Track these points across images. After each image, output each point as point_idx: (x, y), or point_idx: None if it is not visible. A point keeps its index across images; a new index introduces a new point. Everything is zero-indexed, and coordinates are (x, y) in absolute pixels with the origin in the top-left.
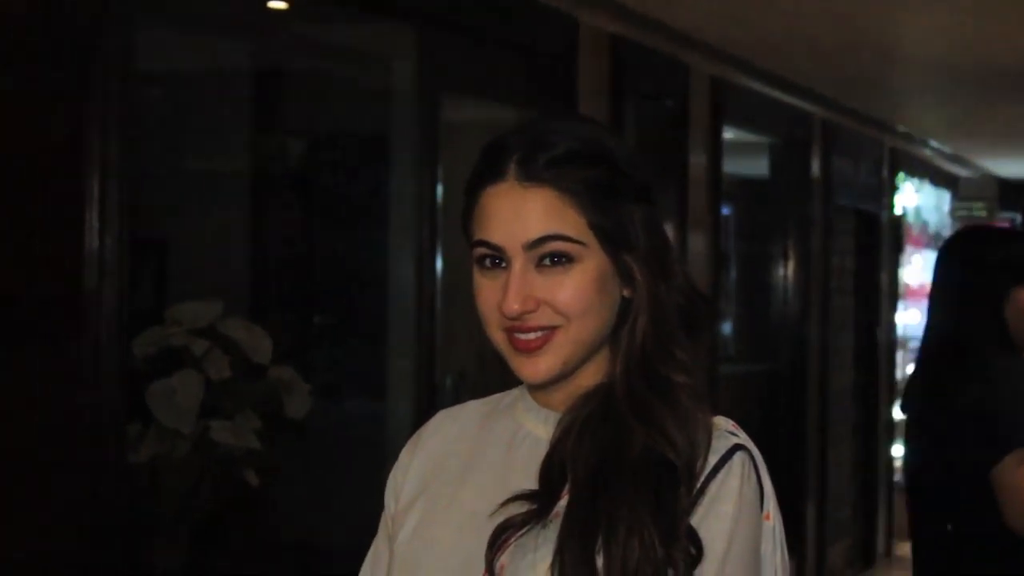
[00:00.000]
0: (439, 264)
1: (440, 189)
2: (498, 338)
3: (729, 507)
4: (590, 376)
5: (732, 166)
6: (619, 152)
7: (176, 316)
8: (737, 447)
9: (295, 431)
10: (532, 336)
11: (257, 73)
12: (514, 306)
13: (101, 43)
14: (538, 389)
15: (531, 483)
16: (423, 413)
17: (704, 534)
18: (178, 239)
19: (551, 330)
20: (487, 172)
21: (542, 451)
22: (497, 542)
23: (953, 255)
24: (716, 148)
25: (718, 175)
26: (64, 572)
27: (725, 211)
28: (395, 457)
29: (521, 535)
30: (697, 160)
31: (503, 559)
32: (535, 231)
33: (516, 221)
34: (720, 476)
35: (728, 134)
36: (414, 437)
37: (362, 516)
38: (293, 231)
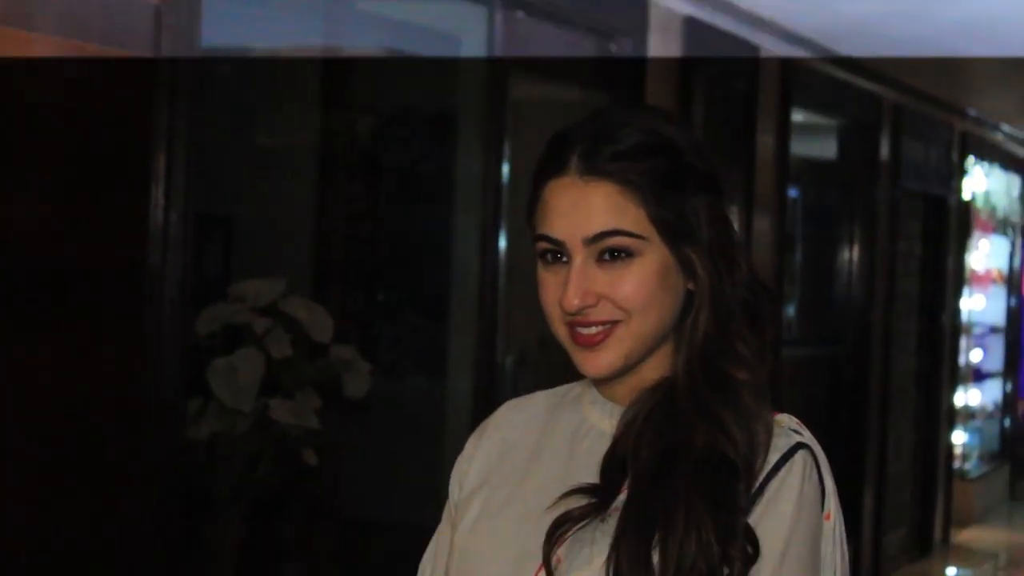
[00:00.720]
0: (503, 243)
1: (506, 168)
2: (561, 332)
3: (789, 507)
4: (654, 369)
5: (800, 148)
6: (683, 142)
7: (239, 294)
8: (799, 445)
9: (354, 410)
10: (593, 331)
11: (327, 50)
12: (574, 301)
13: (169, 18)
14: (603, 382)
15: (593, 477)
16: (483, 392)
17: (762, 533)
18: (244, 215)
19: (612, 324)
20: (549, 165)
21: (605, 445)
22: (555, 535)
23: None
24: (784, 130)
25: (785, 157)
26: (121, 543)
27: (792, 193)
28: (454, 436)
29: (579, 528)
30: (765, 142)
31: (559, 552)
32: (596, 226)
33: (577, 216)
34: (780, 475)
35: (796, 116)
36: (480, 427)
37: (421, 493)
38: (358, 208)
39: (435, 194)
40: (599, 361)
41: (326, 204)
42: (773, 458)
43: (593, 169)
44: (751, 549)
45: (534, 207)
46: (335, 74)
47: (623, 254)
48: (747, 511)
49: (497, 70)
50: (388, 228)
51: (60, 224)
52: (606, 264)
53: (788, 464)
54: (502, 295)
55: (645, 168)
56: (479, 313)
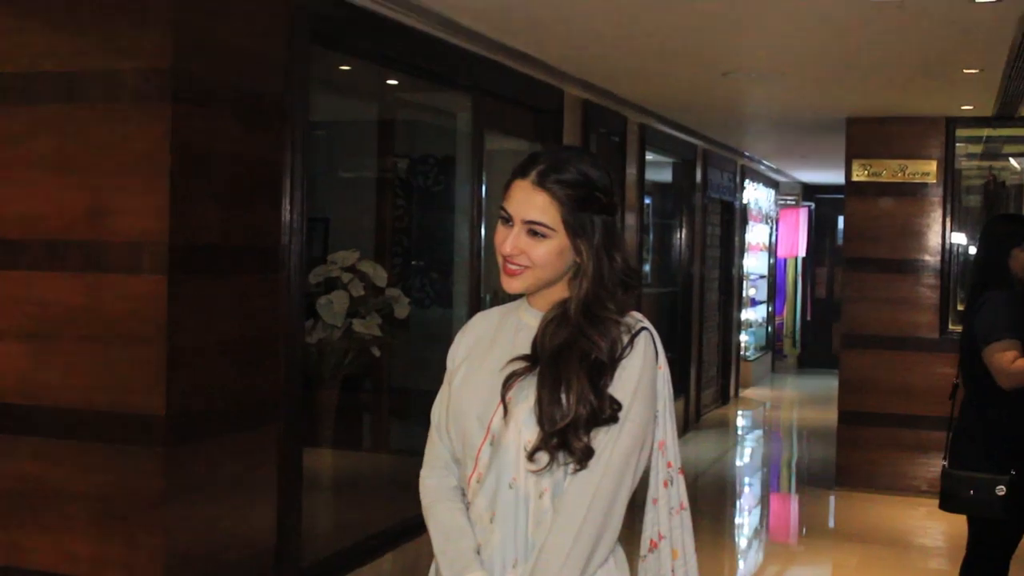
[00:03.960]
0: (483, 231)
1: (484, 189)
2: (500, 262)
3: (637, 362)
4: (559, 292)
5: (651, 175)
6: (598, 182)
7: (333, 259)
8: (642, 329)
9: (400, 326)
10: (515, 268)
11: (380, 120)
12: (506, 248)
13: (291, 105)
14: (530, 298)
15: (526, 351)
16: (473, 315)
17: (623, 379)
18: (335, 216)
19: (525, 268)
20: (520, 169)
21: (532, 333)
22: (507, 383)
23: (984, 232)
24: (642, 164)
25: (643, 180)
26: (267, 401)
27: (647, 201)
28: None
29: (521, 380)
30: (631, 171)
31: (510, 394)
32: (531, 215)
33: (524, 205)
34: (631, 347)
35: (649, 156)
36: (463, 328)
37: (438, 373)
38: (400, 212)
39: (443, 203)
40: (512, 284)
41: (381, 209)
42: (626, 339)
43: (542, 183)
44: (616, 406)
45: (506, 189)
46: (385, 134)
47: (540, 235)
48: (610, 382)
49: (477, 132)
50: (416, 223)
51: (231, 221)
52: (531, 236)
53: (636, 340)
54: (483, 259)
55: (569, 193)
56: (469, 270)
